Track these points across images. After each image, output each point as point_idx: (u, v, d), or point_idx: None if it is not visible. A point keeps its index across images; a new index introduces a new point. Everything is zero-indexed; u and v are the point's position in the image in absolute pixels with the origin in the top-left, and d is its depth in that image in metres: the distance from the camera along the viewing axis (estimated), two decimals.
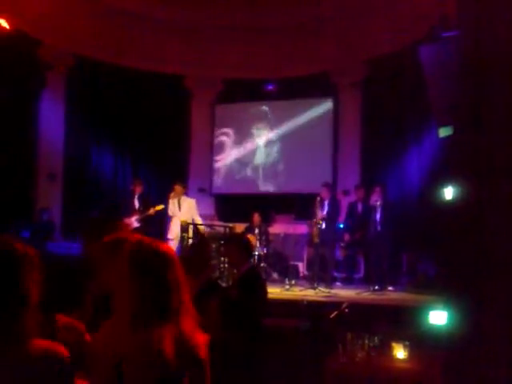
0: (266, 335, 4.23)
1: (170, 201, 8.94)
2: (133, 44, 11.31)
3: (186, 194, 9.34)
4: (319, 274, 8.23)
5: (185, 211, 8.82)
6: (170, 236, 8.93)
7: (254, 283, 4.18)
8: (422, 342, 4.26)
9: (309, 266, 9.77)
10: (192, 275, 3.69)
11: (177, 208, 8.86)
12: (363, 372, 3.58)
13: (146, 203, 8.92)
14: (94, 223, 3.03)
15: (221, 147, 12.56)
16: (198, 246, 4.29)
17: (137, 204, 8.98)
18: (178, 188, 8.92)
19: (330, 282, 8.20)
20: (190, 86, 12.38)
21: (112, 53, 11.17)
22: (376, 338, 3.72)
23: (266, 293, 4.39)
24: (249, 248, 4.36)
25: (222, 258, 7.79)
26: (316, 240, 8.17)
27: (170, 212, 8.97)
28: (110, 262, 2.49)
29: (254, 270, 4.50)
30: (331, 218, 8.26)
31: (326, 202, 8.37)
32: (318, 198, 8.24)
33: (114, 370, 1.76)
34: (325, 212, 8.24)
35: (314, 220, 8.08)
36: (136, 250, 1.90)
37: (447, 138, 5.61)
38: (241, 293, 3.99)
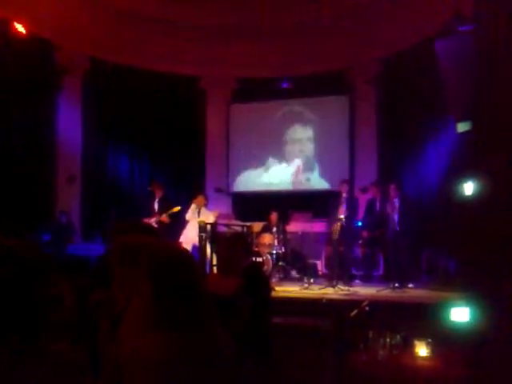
0: (276, 334, 4.20)
1: (192, 207, 9.09)
2: (147, 46, 11.36)
3: (206, 205, 9.45)
4: (338, 272, 8.20)
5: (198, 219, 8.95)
6: (181, 239, 9.03)
7: (255, 281, 4.09)
8: (445, 339, 4.22)
9: (327, 264, 9.75)
10: (229, 275, 3.69)
11: (196, 215, 9.02)
12: (385, 370, 3.57)
13: (166, 206, 9.00)
14: (118, 224, 3.05)
15: (237, 146, 12.57)
16: (228, 247, 4.24)
17: (156, 207, 9.07)
18: (200, 198, 9.16)
19: (348, 280, 8.16)
20: (204, 86, 12.41)
21: (127, 55, 11.24)
22: (398, 335, 3.71)
23: (268, 293, 4.27)
24: (246, 247, 4.26)
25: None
26: (335, 236, 8.14)
27: (187, 216, 9.09)
28: (130, 265, 2.51)
29: (256, 269, 4.39)
30: (349, 216, 8.23)
31: (345, 199, 8.36)
32: (344, 195, 8.26)
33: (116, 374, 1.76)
34: (344, 210, 8.22)
35: (338, 216, 8.06)
36: (150, 255, 1.89)
37: (465, 133, 5.58)
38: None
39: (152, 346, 1.76)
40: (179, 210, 9.02)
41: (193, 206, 9.13)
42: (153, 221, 8.75)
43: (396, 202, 8.13)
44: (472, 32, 5.04)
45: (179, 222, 9.38)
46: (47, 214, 10.46)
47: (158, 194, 9.16)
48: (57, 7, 10.01)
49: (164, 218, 8.83)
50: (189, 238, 8.92)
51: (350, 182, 9.73)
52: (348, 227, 8.16)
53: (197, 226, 8.73)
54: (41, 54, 10.19)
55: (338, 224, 8.04)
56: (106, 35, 10.85)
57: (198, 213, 9.06)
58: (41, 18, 9.88)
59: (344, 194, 8.34)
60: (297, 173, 12.03)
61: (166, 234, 8.81)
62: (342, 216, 8.02)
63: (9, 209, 9.02)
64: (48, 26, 10.16)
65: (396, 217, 8.04)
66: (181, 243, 8.89)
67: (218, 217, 9.39)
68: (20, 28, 9.42)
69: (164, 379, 1.71)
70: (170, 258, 1.86)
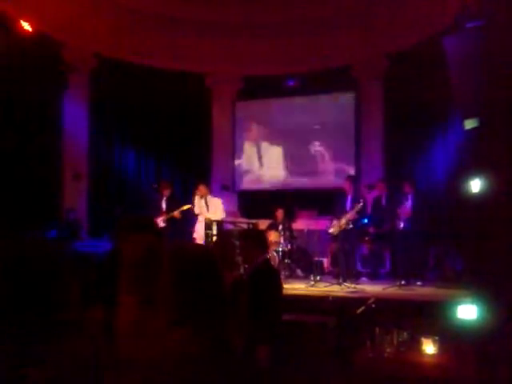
0: (285, 331, 4.20)
1: (197, 199, 8.97)
2: (153, 44, 11.37)
3: (210, 193, 9.36)
4: (343, 270, 8.19)
5: (212, 211, 8.86)
6: (195, 235, 8.98)
7: (267, 278, 4.07)
8: (452, 336, 4.21)
9: (333, 262, 9.74)
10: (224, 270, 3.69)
11: (204, 207, 8.90)
12: (392, 367, 3.56)
13: (174, 205, 8.95)
14: (126, 222, 3.05)
15: (243, 144, 12.57)
16: (220, 244, 4.28)
17: (164, 206, 9.02)
18: (202, 188, 8.99)
19: (353, 277, 8.13)
20: (210, 84, 12.41)
21: (133, 53, 11.26)
22: (405, 333, 3.70)
23: (279, 289, 4.26)
24: (264, 243, 4.26)
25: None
26: (334, 233, 8.12)
27: (196, 210, 8.99)
28: (148, 262, 2.52)
29: (268, 265, 4.36)
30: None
31: (350, 197, 8.32)
32: (350, 193, 8.23)
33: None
34: (348, 207, 8.19)
35: (345, 213, 8.06)
36: (175, 256, 1.90)
37: (473, 129, 5.54)
38: (253, 284, 3.91)
39: (182, 343, 1.76)
40: (189, 208, 8.97)
41: (197, 199, 8.96)
42: (160, 220, 8.74)
43: (409, 198, 8.11)
44: (480, 28, 5.01)
45: (188, 220, 9.36)
46: (54, 211, 10.49)
47: (166, 193, 9.10)
48: (63, 5, 10.03)
49: (176, 213, 8.79)
50: (200, 233, 8.85)
51: (355, 178, 9.62)
52: (353, 225, 8.12)
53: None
54: (48, 52, 10.21)
55: (342, 222, 8.01)
56: (112, 33, 10.86)
57: (206, 203, 8.95)
58: (47, 15, 9.89)
59: (347, 191, 8.30)
60: (302, 170, 12.03)
61: (175, 232, 8.82)
62: (350, 219, 7.98)
63: (16, 206, 9.06)
64: (55, 24, 10.18)
65: (408, 214, 8.02)
66: (194, 239, 8.90)
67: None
68: (27, 26, 9.43)
69: (190, 373, 1.72)
70: (194, 259, 1.86)
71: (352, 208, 8.08)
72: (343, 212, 8.15)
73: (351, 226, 7.99)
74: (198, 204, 8.97)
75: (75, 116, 11.08)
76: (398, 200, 8.30)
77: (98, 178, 11.39)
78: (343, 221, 8.05)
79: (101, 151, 11.59)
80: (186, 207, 8.84)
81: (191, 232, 9.16)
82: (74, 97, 11.11)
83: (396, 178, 9.54)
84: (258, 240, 4.20)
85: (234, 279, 3.81)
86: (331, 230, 8.18)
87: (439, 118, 9.81)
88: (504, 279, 4.44)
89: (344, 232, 8.10)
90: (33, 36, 9.50)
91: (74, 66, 10.96)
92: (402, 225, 8.02)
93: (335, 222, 8.16)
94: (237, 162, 12.56)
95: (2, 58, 8.71)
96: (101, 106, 11.44)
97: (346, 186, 8.41)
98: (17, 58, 9.09)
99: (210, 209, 8.90)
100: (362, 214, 8.19)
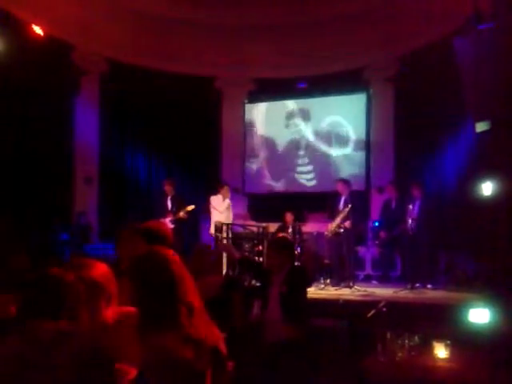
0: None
1: (218, 196, 9.28)
2: (163, 47, 11.42)
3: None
4: (353, 272, 8.12)
5: (224, 209, 9.24)
6: (211, 231, 9.15)
7: (298, 283, 4.20)
8: (464, 340, 4.17)
9: (340, 265, 9.70)
10: (207, 276, 3.76)
11: (221, 202, 9.25)
12: (404, 372, 3.54)
13: (179, 204, 9.01)
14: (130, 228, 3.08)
15: (253, 147, 12.58)
16: (198, 254, 4.49)
17: (169, 205, 9.08)
18: (225, 189, 9.39)
19: (350, 281, 7.86)
20: (220, 87, 12.44)
21: (143, 56, 11.31)
22: (416, 336, 3.67)
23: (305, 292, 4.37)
24: (292, 251, 4.39)
25: (257, 258, 7.90)
26: (329, 235, 8.03)
27: (213, 202, 9.29)
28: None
29: (298, 271, 4.51)
30: (353, 217, 7.98)
31: (343, 199, 8.17)
32: (343, 196, 8.12)
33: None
34: (340, 208, 8.04)
35: (335, 217, 7.97)
36: (135, 260, 1.95)
37: (484, 132, 5.51)
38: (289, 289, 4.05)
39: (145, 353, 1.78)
40: (193, 209, 9.05)
41: (219, 195, 9.30)
42: (168, 220, 8.77)
43: (416, 203, 8.02)
44: (492, 30, 4.99)
45: (198, 220, 9.42)
46: (65, 214, 10.54)
47: (169, 191, 9.19)
48: (74, 9, 10.10)
49: (182, 214, 8.86)
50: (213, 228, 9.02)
51: (348, 181, 9.36)
52: (351, 228, 7.96)
53: (221, 216, 8.90)
54: (58, 56, 10.27)
55: (333, 226, 7.92)
56: (122, 36, 10.92)
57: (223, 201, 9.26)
58: (58, 19, 9.96)
59: (341, 193, 8.17)
60: (312, 172, 12.01)
61: (182, 232, 8.88)
62: (339, 223, 7.86)
63: (28, 209, 9.12)
64: (66, 28, 10.26)
65: (415, 218, 7.93)
66: (211, 235, 9.05)
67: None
68: (38, 30, 9.49)
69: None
70: (146, 263, 1.90)
71: (342, 211, 7.94)
72: (335, 215, 8.03)
73: (342, 230, 7.85)
74: (217, 199, 9.28)
75: (86, 120, 11.14)
76: (406, 204, 8.22)
77: (108, 182, 11.44)
78: (334, 224, 7.94)
79: (112, 155, 11.64)
80: (190, 208, 8.90)
81: (199, 232, 9.26)
82: (85, 100, 11.17)
83: (407, 180, 9.48)
84: (287, 249, 4.35)
85: (226, 279, 3.88)
86: (326, 233, 8.12)
87: (451, 121, 9.75)
88: None
89: (339, 235, 7.97)
90: (44, 40, 9.56)
91: (85, 69, 11.03)
92: (409, 229, 7.93)
93: (329, 225, 8.07)
94: (247, 164, 12.58)
95: (13, 61, 8.78)
96: (112, 109, 11.49)
97: (340, 187, 8.28)
98: (28, 62, 9.15)
99: (223, 205, 9.21)
100: (353, 218, 7.98)
